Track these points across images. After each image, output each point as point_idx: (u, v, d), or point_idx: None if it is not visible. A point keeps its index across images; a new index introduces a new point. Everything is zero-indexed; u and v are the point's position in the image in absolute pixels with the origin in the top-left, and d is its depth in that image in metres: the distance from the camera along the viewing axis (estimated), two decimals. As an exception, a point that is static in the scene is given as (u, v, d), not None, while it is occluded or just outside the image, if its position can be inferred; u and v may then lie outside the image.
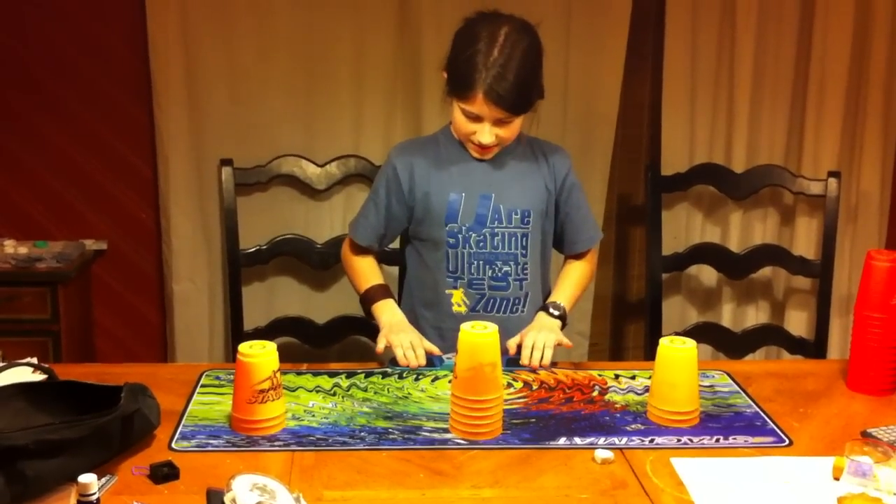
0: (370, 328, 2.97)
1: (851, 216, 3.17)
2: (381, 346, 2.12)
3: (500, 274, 2.23)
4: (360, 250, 2.33)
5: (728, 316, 3.22)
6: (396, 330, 2.14)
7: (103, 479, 1.59)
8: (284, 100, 2.99)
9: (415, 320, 2.24)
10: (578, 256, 2.35)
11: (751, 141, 3.11)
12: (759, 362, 2.97)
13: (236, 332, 2.83)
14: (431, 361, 2.11)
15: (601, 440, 1.78)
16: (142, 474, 1.62)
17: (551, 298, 2.25)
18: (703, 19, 3.04)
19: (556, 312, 2.20)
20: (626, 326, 3.44)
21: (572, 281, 2.31)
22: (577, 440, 1.78)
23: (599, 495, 1.60)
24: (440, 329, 2.23)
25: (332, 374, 2.05)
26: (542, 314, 2.20)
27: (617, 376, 2.07)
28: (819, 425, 1.87)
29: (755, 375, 2.10)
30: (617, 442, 1.78)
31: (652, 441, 1.78)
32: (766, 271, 3.14)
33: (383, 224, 2.29)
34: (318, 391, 1.97)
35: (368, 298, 2.26)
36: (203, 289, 3.08)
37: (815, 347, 2.92)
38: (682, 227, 3.19)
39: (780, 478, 1.65)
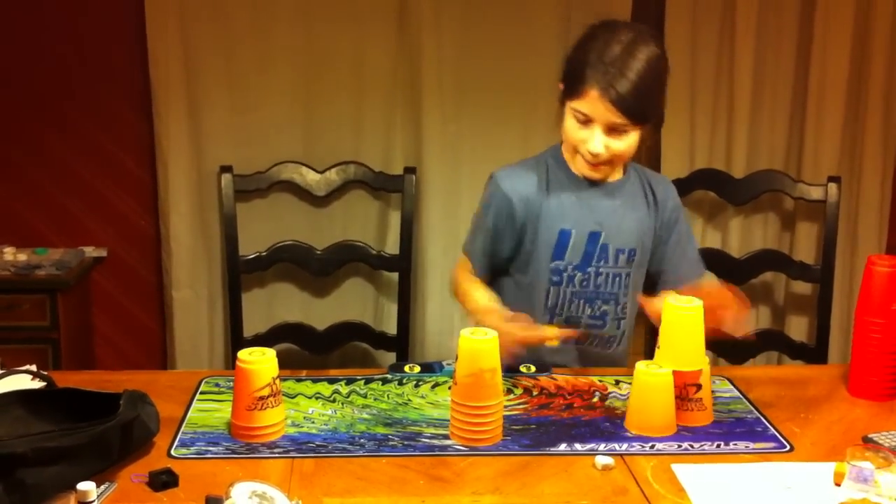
0: (370, 335, 2.98)
1: (852, 221, 3.17)
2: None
3: (598, 313, 2.15)
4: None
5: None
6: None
7: (102, 487, 1.58)
8: (284, 106, 2.99)
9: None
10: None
11: (751, 146, 3.11)
12: (759, 368, 2.97)
13: (236, 339, 2.83)
14: (431, 367, 2.10)
15: (602, 446, 1.77)
16: (141, 482, 1.61)
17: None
18: (703, 25, 3.05)
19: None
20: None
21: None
22: (578, 446, 1.78)
23: (600, 502, 1.60)
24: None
25: (332, 381, 2.05)
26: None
27: (617, 382, 2.07)
28: (820, 431, 1.87)
29: (756, 381, 2.10)
30: (617, 448, 1.77)
31: (653, 447, 1.78)
32: (766, 276, 3.14)
33: (493, 258, 2.16)
34: (317, 398, 1.96)
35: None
36: (203, 296, 3.08)
37: (815, 353, 2.91)
38: (683, 233, 3.18)
39: (782, 483, 1.65)
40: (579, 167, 2.09)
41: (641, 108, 1.98)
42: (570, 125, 2.03)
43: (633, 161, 2.18)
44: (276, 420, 1.79)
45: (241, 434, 1.78)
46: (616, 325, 2.18)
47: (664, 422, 1.83)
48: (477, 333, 1.78)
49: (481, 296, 2.08)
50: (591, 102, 1.96)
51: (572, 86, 1.99)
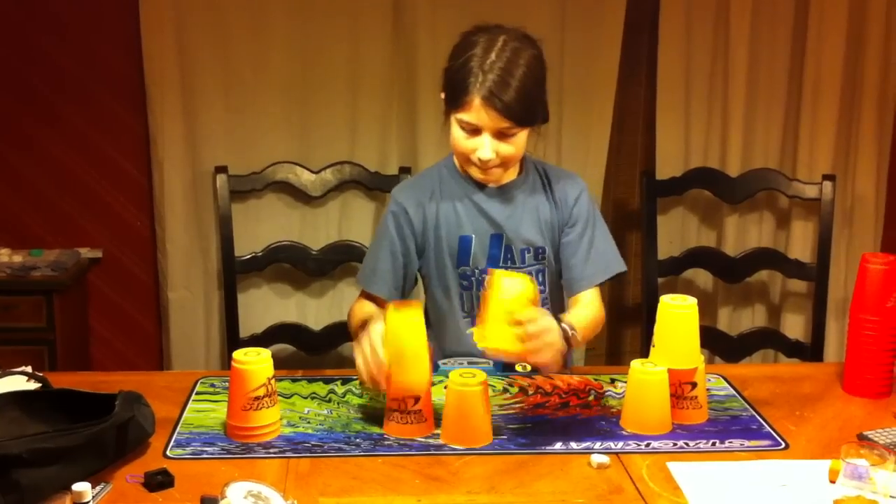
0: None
1: (847, 219, 3.17)
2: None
3: None
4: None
5: (724, 320, 3.22)
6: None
7: (98, 488, 1.59)
8: (279, 107, 2.99)
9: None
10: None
11: (746, 145, 3.12)
12: (755, 366, 2.97)
13: (232, 340, 2.82)
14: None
15: (597, 445, 1.78)
16: (136, 482, 1.62)
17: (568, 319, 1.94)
18: (697, 25, 3.05)
19: (572, 344, 1.91)
20: (622, 331, 3.44)
21: (584, 311, 2.08)
22: (574, 445, 1.78)
23: (596, 500, 1.60)
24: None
25: (328, 381, 2.05)
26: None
27: (613, 381, 2.07)
28: (815, 428, 1.87)
29: (751, 379, 2.10)
30: (613, 447, 1.77)
31: (648, 445, 1.78)
32: (762, 275, 3.14)
33: (402, 272, 2.14)
34: (313, 398, 1.96)
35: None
36: (198, 296, 3.07)
37: (811, 351, 2.92)
38: (678, 232, 3.19)
39: (777, 481, 1.65)
40: (474, 174, 2.07)
41: (526, 110, 1.97)
42: (458, 135, 2.01)
43: (533, 160, 2.17)
44: (271, 420, 1.79)
45: (237, 434, 1.78)
46: None
47: (660, 420, 1.83)
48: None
49: (368, 314, 2.02)
50: (476, 112, 1.95)
51: (455, 97, 1.97)
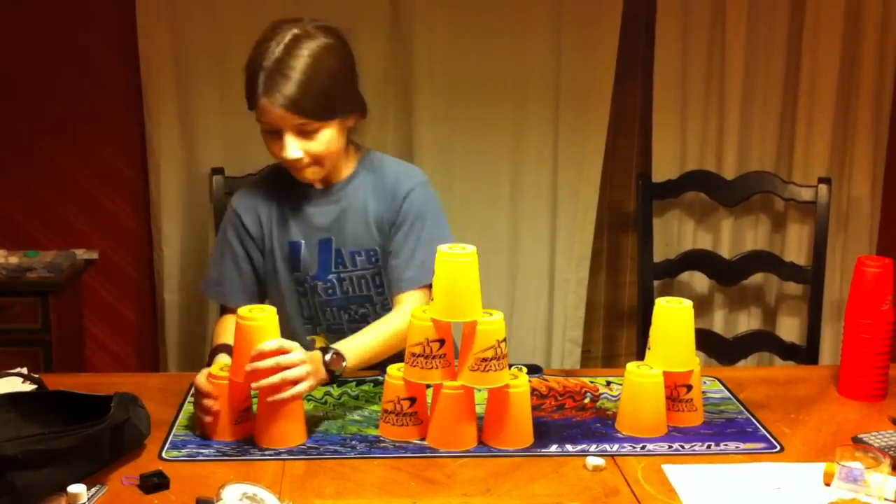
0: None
1: (842, 222, 3.18)
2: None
3: (357, 316, 2.09)
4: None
5: (720, 322, 3.22)
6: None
7: (93, 490, 1.58)
8: (275, 108, 2.99)
9: None
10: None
11: (741, 148, 3.12)
12: (750, 368, 2.97)
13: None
14: None
15: (593, 447, 1.78)
16: (132, 484, 1.61)
17: (340, 345, 1.88)
18: (693, 27, 3.06)
19: (337, 371, 1.84)
20: (618, 333, 3.44)
21: (373, 330, 1.96)
22: (569, 447, 1.78)
23: (591, 503, 1.60)
24: None
25: (323, 383, 2.05)
26: (320, 358, 1.82)
27: (608, 383, 2.07)
28: (810, 431, 1.87)
29: (747, 382, 2.10)
30: (608, 449, 1.77)
31: (643, 448, 1.78)
32: (757, 278, 3.15)
33: (252, 278, 2.08)
34: (309, 399, 1.96)
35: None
36: (194, 298, 3.07)
37: (806, 353, 2.92)
38: (674, 234, 3.19)
39: (772, 484, 1.65)
40: (298, 177, 2.00)
41: (316, 104, 1.89)
42: (265, 138, 1.96)
43: (375, 155, 2.13)
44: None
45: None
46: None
47: (655, 422, 1.84)
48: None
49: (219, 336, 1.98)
50: (266, 111, 1.90)
51: (248, 100, 1.92)
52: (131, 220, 3.14)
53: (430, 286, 1.93)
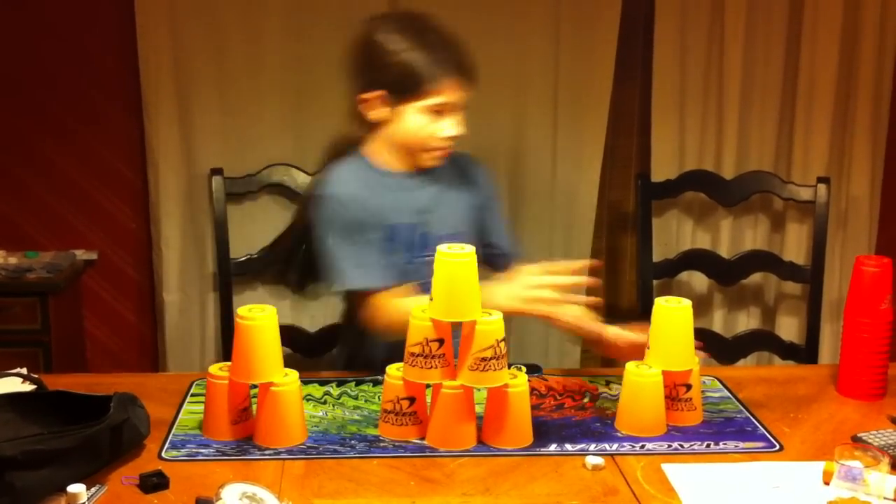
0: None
1: (841, 222, 3.18)
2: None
3: None
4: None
5: (719, 322, 3.22)
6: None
7: (92, 490, 1.58)
8: (274, 109, 2.99)
9: (372, 348, 2.13)
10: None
11: (740, 148, 3.12)
12: (749, 368, 2.97)
13: (227, 342, 2.82)
14: None
15: (592, 447, 1.78)
16: (131, 484, 1.61)
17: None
18: (692, 27, 3.06)
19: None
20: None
21: None
22: (568, 447, 1.78)
23: (590, 502, 1.60)
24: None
25: (323, 383, 2.05)
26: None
27: (608, 383, 2.07)
28: (809, 430, 1.87)
29: (746, 381, 2.10)
30: (608, 448, 1.77)
31: (643, 447, 1.78)
32: (756, 277, 3.15)
33: (376, 257, 2.08)
34: (308, 399, 1.96)
35: None
36: (194, 298, 3.07)
37: (805, 353, 2.92)
38: (673, 234, 3.19)
39: (771, 483, 1.65)
40: (424, 161, 2.09)
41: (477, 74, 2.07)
42: (419, 123, 2.03)
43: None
44: None
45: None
46: None
47: (654, 422, 1.84)
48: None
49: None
50: (451, 91, 2.01)
51: (419, 86, 2.00)
52: (130, 220, 3.14)
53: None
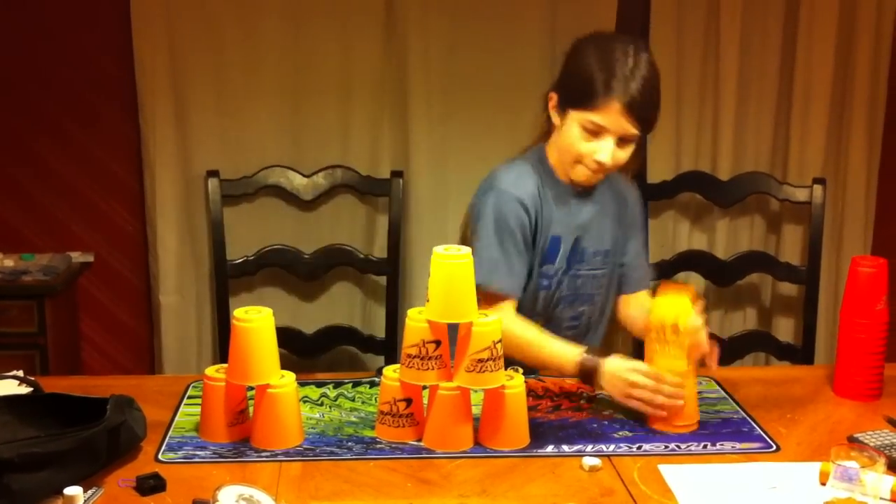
0: (358, 338, 2.98)
1: (837, 223, 3.18)
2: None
3: (576, 313, 2.20)
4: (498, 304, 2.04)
5: (715, 323, 3.22)
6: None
7: (89, 492, 1.58)
8: (271, 111, 2.99)
9: None
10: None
11: (736, 149, 3.12)
12: (745, 369, 2.97)
13: (224, 344, 2.82)
14: None
15: (589, 447, 1.78)
16: (128, 486, 1.61)
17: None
18: (688, 28, 3.06)
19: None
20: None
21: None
22: (565, 448, 1.78)
23: (587, 503, 1.60)
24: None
25: (320, 384, 2.05)
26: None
27: (604, 384, 2.07)
28: (806, 431, 1.88)
29: (742, 382, 2.11)
30: (605, 449, 1.78)
31: (640, 448, 1.79)
32: (752, 278, 3.15)
33: (525, 269, 2.10)
34: (305, 401, 1.96)
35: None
36: (190, 300, 3.07)
37: (802, 353, 2.92)
38: (669, 235, 3.20)
39: (768, 483, 1.66)
40: (577, 175, 2.08)
41: (653, 118, 2.02)
42: (576, 136, 2.02)
43: None
44: None
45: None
46: (588, 325, 2.23)
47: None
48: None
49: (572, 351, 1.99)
50: (610, 115, 1.96)
51: (584, 98, 1.98)
52: (127, 222, 3.13)
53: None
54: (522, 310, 2.11)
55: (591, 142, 2.01)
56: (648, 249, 2.28)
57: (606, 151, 2.00)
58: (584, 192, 2.14)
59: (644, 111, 1.98)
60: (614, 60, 1.97)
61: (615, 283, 2.25)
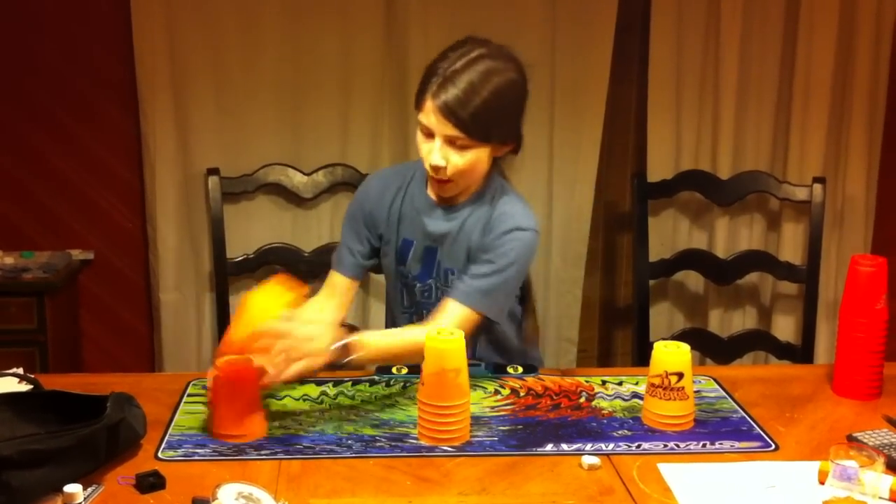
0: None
1: (837, 221, 3.19)
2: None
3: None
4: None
5: (715, 321, 3.22)
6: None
7: (89, 489, 1.59)
8: (271, 109, 2.99)
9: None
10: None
11: (736, 147, 3.13)
12: (745, 367, 2.98)
13: (224, 342, 2.82)
14: (418, 369, 2.09)
15: (588, 446, 1.78)
16: (128, 484, 1.62)
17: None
18: (689, 26, 3.06)
19: (337, 362, 1.85)
20: (614, 333, 3.45)
21: (403, 333, 2.03)
22: (564, 446, 1.78)
23: (586, 501, 1.60)
24: None
25: (320, 383, 2.05)
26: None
27: (604, 382, 2.08)
28: (805, 430, 1.88)
29: (742, 381, 2.11)
30: (604, 448, 1.78)
31: (639, 447, 1.79)
32: (752, 277, 3.15)
33: (350, 250, 2.18)
34: (305, 399, 1.96)
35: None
36: (190, 298, 3.07)
37: (801, 352, 2.93)
38: (669, 234, 3.20)
39: (767, 482, 1.66)
40: (431, 185, 2.08)
41: (478, 124, 1.93)
42: (418, 138, 2.01)
43: (502, 188, 2.11)
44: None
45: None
46: None
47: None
48: (442, 333, 1.79)
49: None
50: (427, 114, 1.95)
51: (417, 97, 1.98)
52: (127, 220, 3.13)
53: (478, 315, 2.01)
54: (395, 304, 2.21)
55: (426, 144, 1.99)
56: (481, 286, 2.03)
57: (436, 153, 1.96)
58: (447, 206, 2.10)
59: (457, 112, 1.91)
60: (442, 60, 1.96)
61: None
